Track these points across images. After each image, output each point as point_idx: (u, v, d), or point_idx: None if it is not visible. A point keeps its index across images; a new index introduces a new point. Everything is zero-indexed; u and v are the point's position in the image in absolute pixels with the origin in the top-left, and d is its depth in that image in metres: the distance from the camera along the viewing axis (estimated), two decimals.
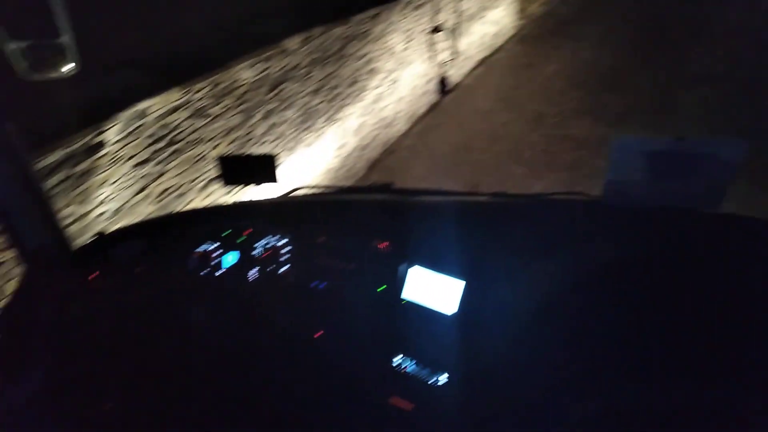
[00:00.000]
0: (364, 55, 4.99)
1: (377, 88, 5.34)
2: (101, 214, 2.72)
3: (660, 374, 1.33)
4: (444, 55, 5.87)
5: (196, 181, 3.34)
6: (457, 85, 7.08)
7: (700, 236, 1.49)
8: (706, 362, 1.30)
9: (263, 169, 1.68)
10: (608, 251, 1.49)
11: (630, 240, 1.49)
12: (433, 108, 6.71)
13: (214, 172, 3.43)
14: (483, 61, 8.02)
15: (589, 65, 7.38)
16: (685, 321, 1.35)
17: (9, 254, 2.27)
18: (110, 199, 2.76)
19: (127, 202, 2.86)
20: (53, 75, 1.45)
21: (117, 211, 2.82)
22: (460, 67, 7.09)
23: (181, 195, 3.24)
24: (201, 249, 1.65)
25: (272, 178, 1.69)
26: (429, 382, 1.50)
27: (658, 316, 1.37)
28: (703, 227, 1.52)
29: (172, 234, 1.71)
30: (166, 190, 3.12)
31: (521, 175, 5.14)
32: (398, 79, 5.71)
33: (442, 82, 2.90)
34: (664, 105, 5.88)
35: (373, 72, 5.20)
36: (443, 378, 1.49)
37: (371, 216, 1.72)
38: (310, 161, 4.55)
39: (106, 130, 2.63)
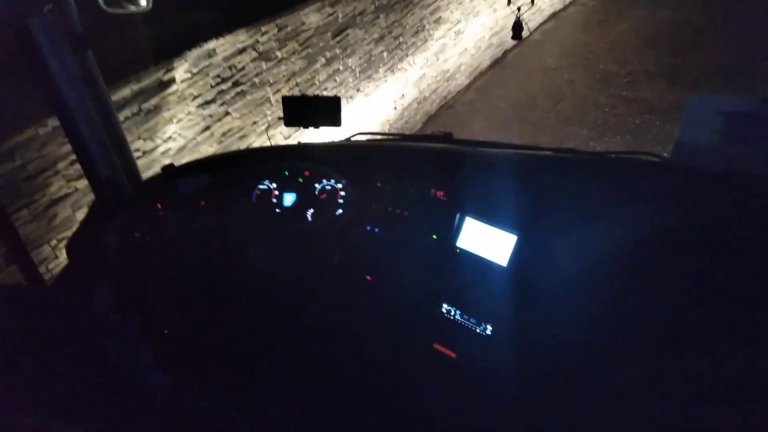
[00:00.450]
0: (431, 3, 4.85)
1: (441, 38, 5.21)
2: (166, 150, 2.83)
3: (712, 343, 1.30)
4: (520, 2, 5.62)
5: (257, 124, 3.40)
6: (524, 40, 6.82)
7: None
8: (762, 333, 1.26)
9: (327, 111, 1.69)
10: (671, 214, 1.44)
11: (695, 204, 1.43)
12: (496, 63, 6.51)
13: (275, 115, 3.49)
14: (554, 15, 7.66)
15: (666, 25, 6.92)
16: (745, 290, 1.31)
17: (80, 183, 2.40)
18: (175, 137, 2.85)
19: (190, 140, 2.95)
20: (129, 10, 1.50)
21: (181, 149, 2.91)
22: (530, 20, 6.81)
23: (242, 137, 3.31)
24: (262, 187, 1.70)
25: (336, 122, 1.70)
26: (475, 332, 1.52)
27: (717, 283, 1.33)
28: None
29: (236, 171, 1.76)
30: (228, 131, 3.20)
31: (584, 137, 4.96)
32: (463, 30, 5.55)
33: (517, 25, 2.75)
34: (745, 71, 5.49)
35: (438, 22, 5.07)
36: (488, 329, 1.51)
37: (429, 164, 1.72)
38: (369, 111, 4.53)
39: (175, 68, 2.70)
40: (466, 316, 1.54)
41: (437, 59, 5.29)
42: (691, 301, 1.33)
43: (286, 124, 1.74)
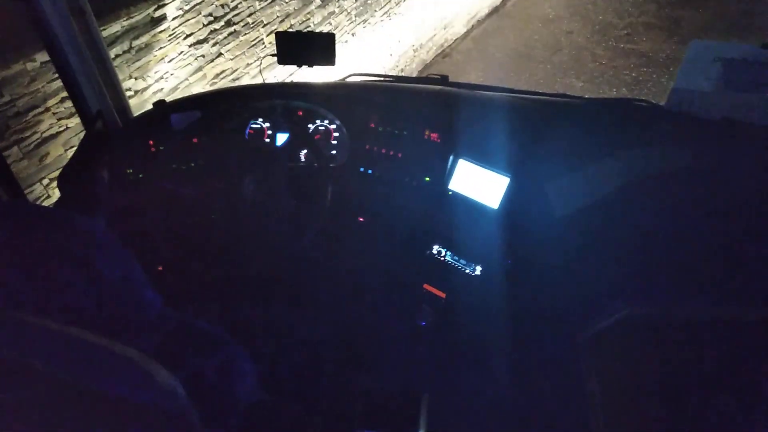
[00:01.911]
0: None
1: None
2: (158, 91, 2.76)
3: (700, 287, 1.32)
4: None
5: (251, 66, 3.32)
6: None
7: (763, 153, 1.42)
8: (750, 278, 1.28)
9: (321, 48, 1.64)
10: (665, 160, 1.43)
11: (689, 150, 1.43)
12: (495, 11, 6.34)
13: (269, 59, 3.40)
14: None
15: None
16: (737, 237, 1.32)
17: (71, 122, 2.35)
18: (167, 77, 2.79)
19: (182, 81, 2.89)
20: None
21: (173, 89, 2.85)
22: None
23: (235, 80, 3.24)
24: (255, 126, 1.68)
25: (330, 60, 1.66)
26: (464, 272, 1.54)
27: (708, 230, 1.34)
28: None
29: (229, 108, 1.73)
30: (221, 72, 3.12)
31: (580, 89, 4.90)
32: None
33: None
34: (746, 25, 5.39)
35: None
36: (478, 270, 1.53)
37: (424, 106, 1.69)
38: (364, 56, 4.43)
39: (166, 4, 2.61)
40: (456, 257, 1.55)
41: (435, 5, 5.14)
42: (680, 245, 1.34)
43: (280, 62, 1.70)
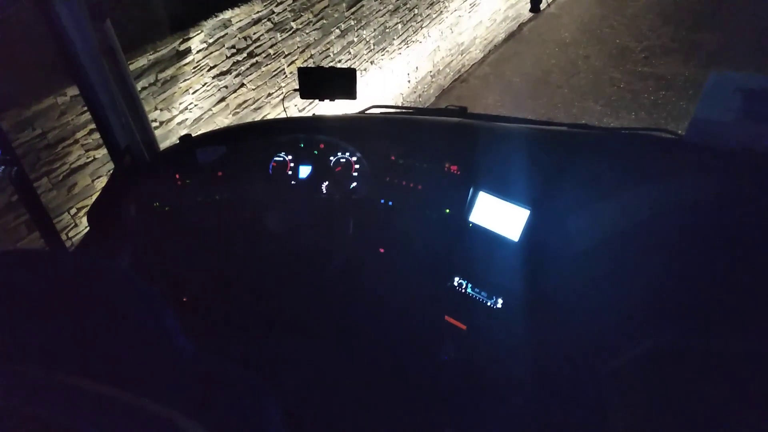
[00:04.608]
0: None
1: (456, 11, 5.11)
2: (183, 121, 2.83)
3: (722, 322, 1.30)
4: None
5: (272, 95, 3.38)
6: (540, 13, 6.68)
7: None
8: None
9: (342, 83, 1.68)
10: (686, 193, 1.43)
11: (710, 183, 1.42)
12: (511, 36, 6.39)
13: (290, 87, 3.47)
14: None
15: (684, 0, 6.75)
16: (758, 270, 1.30)
17: (99, 152, 2.42)
18: (191, 108, 2.85)
19: (206, 111, 2.95)
20: None
21: (197, 120, 2.91)
22: None
23: (257, 108, 3.30)
24: (278, 158, 1.71)
25: (351, 94, 1.69)
26: (485, 305, 1.54)
27: (730, 263, 1.32)
28: None
29: (253, 142, 1.77)
30: (243, 102, 3.19)
31: (599, 113, 4.89)
32: (479, 2, 5.44)
33: None
34: (763, 48, 5.35)
35: None
36: (499, 302, 1.52)
37: (444, 138, 1.71)
38: (382, 84, 4.49)
39: (191, 38, 2.68)
40: (477, 289, 1.55)
41: (452, 32, 5.20)
42: (702, 280, 1.33)
43: (302, 96, 1.73)
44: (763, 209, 1.34)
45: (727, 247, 1.33)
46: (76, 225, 2.41)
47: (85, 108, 2.22)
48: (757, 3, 6.21)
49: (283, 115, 3.38)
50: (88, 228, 1.73)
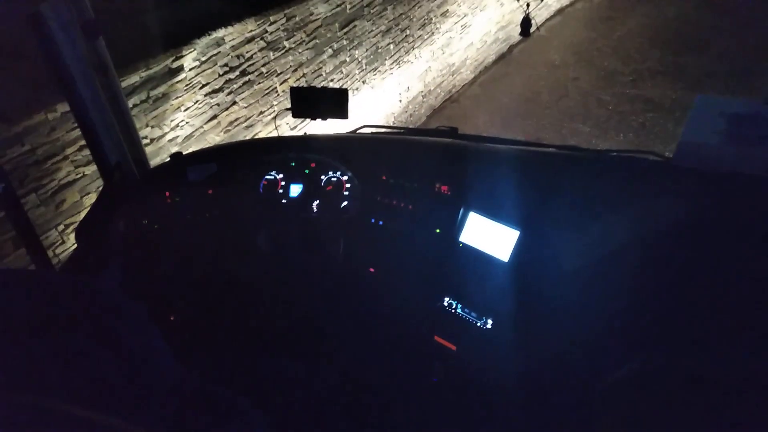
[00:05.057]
0: None
1: (447, 32, 5.18)
2: (174, 138, 2.83)
3: (712, 342, 1.30)
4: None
5: (264, 114, 3.40)
6: (529, 36, 6.80)
7: None
8: (762, 332, 1.26)
9: (334, 103, 1.69)
10: (673, 214, 1.44)
11: (697, 204, 1.43)
12: (501, 58, 6.48)
13: (282, 106, 3.48)
14: (561, 11, 7.61)
15: (673, 23, 6.88)
16: (746, 290, 1.31)
17: (88, 169, 2.41)
18: (183, 125, 2.85)
19: (197, 129, 2.95)
20: None
21: (188, 137, 2.91)
22: (536, 15, 6.77)
23: (249, 126, 3.31)
24: (269, 177, 1.71)
25: (343, 114, 1.70)
26: (475, 325, 1.53)
27: (718, 284, 1.33)
28: None
29: (243, 160, 1.77)
30: (235, 120, 3.19)
31: (587, 134, 4.95)
32: (470, 24, 5.52)
33: (526, 21, 2.75)
34: (749, 71, 5.46)
35: (445, 15, 5.04)
36: (489, 323, 1.52)
37: (434, 159, 1.72)
38: (374, 103, 4.52)
39: (184, 56, 2.69)
40: (467, 310, 1.55)
41: (443, 53, 5.27)
42: (691, 300, 1.33)
43: (294, 115, 1.74)
44: (751, 231, 1.35)
45: (718, 269, 1.34)
46: (63, 242, 2.39)
47: (76, 124, 2.21)
48: (743, 27, 6.36)
49: (274, 134, 3.39)
50: (75, 245, 1.71)
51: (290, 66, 3.47)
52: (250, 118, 3.29)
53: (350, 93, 4.07)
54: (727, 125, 1.52)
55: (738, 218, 1.39)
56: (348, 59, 4.00)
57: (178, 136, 2.84)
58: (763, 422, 1.09)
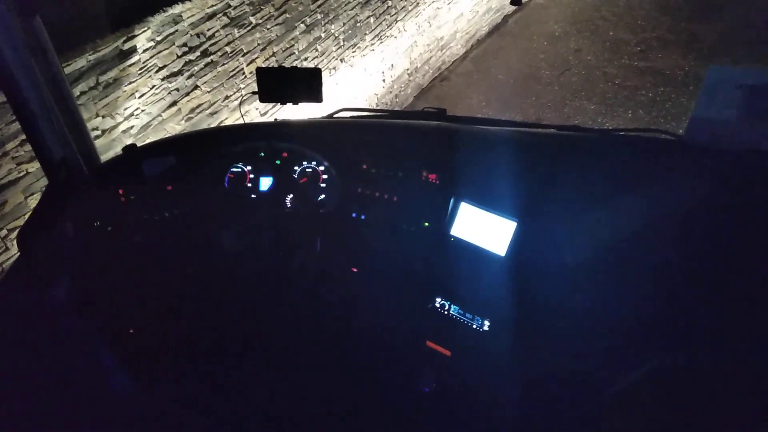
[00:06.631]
0: None
1: (434, 2, 5.17)
2: (128, 129, 2.80)
3: (723, 335, 1.32)
4: None
5: (230, 98, 3.37)
6: (526, 4, 6.80)
7: None
8: None
9: (307, 85, 1.67)
10: (685, 199, 1.45)
11: (711, 187, 1.44)
12: (495, 29, 6.49)
13: (249, 89, 3.46)
14: None
15: None
16: (762, 280, 1.32)
17: (32, 166, 2.37)
18: (138, 114, 2.82)
19: (155, 117, 2.92)
20: None
21: (145, 127, 2.88)
22: None
23: (213, 113, 3.28)
24: (236, 169, 1.70)
25: (317, 97, 1.68)
26: (471, 328, 1.54)
27: (733, 270, 1.34)
28: None
29: (206, 152, 1.75)
30: (197, 106, 3.17)
31: (592, 112, 4.98)
32: None
33: None
34: (766, 39, 5.51)
35: None
36: (486, 324, 1.53)
37: (421, 144, 1.72)
38: (354, 84, 4.51)
39: (137, 36, 2.66)
40: (461, 311, 1.55)
41: (430, 25, 5.26)
42: (705, 295, 1.35)
43: (261, 100, 1.73)
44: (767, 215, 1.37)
45: (732, 257, 1.35)
46: (7, 248, 2.36)
47: (15, 116, 2.18)
48: None
49: (241, 121, 3.37)
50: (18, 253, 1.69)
51: (258, 44, 3.44)
52: (214, 103, 3.27)
53: (327, 73, 4.07)
54: (743, 98, 1.53)
55: (756, 200, 1.40)
56: (323, 35, 3.98)
57: (132, 126, 2.81)
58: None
